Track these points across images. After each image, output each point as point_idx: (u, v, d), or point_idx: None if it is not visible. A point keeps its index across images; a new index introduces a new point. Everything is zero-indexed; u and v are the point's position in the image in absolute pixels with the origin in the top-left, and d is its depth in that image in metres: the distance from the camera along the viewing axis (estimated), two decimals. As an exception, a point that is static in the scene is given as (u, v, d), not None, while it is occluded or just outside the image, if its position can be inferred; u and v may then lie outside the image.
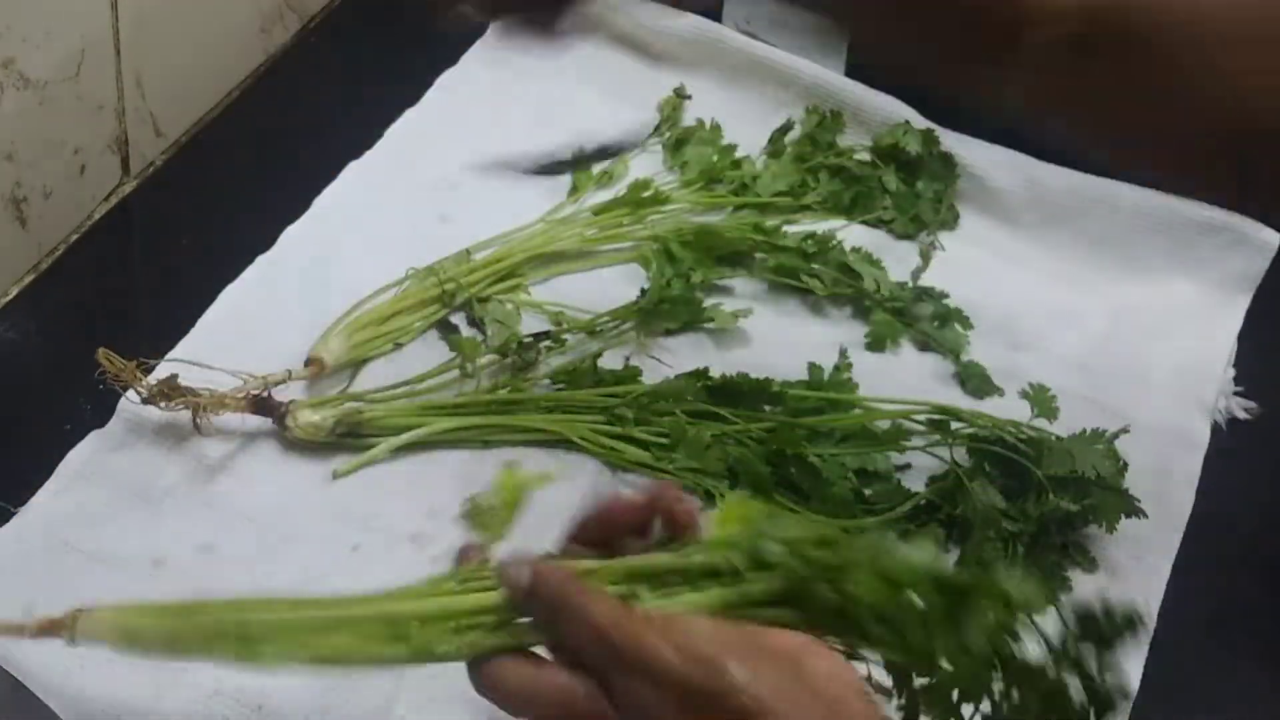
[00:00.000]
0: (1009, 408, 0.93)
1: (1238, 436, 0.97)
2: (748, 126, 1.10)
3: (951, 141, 1.09)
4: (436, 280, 0.95)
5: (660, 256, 1.00)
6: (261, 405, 0.87)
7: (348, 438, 0.88)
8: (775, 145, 1.09)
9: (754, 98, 1.14)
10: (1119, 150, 0.81)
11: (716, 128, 1.09)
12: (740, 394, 0.90)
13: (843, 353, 0.94)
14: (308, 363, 0.90)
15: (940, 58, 0.76)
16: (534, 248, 1.00)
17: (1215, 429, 0.97)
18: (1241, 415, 0.98)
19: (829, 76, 1.12)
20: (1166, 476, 0.93)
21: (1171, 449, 0.95)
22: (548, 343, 0.94)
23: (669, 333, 0.97)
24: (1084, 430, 0.89)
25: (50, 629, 0.63)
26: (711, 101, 1.13)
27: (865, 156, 1.08)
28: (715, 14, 1.16)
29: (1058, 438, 0.89)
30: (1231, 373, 0.99)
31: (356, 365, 0.93)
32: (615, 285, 1.00)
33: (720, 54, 1.15)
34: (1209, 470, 0.94)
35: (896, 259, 1.03)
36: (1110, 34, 0.70)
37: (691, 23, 1.15)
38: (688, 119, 1.11)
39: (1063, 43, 0.70)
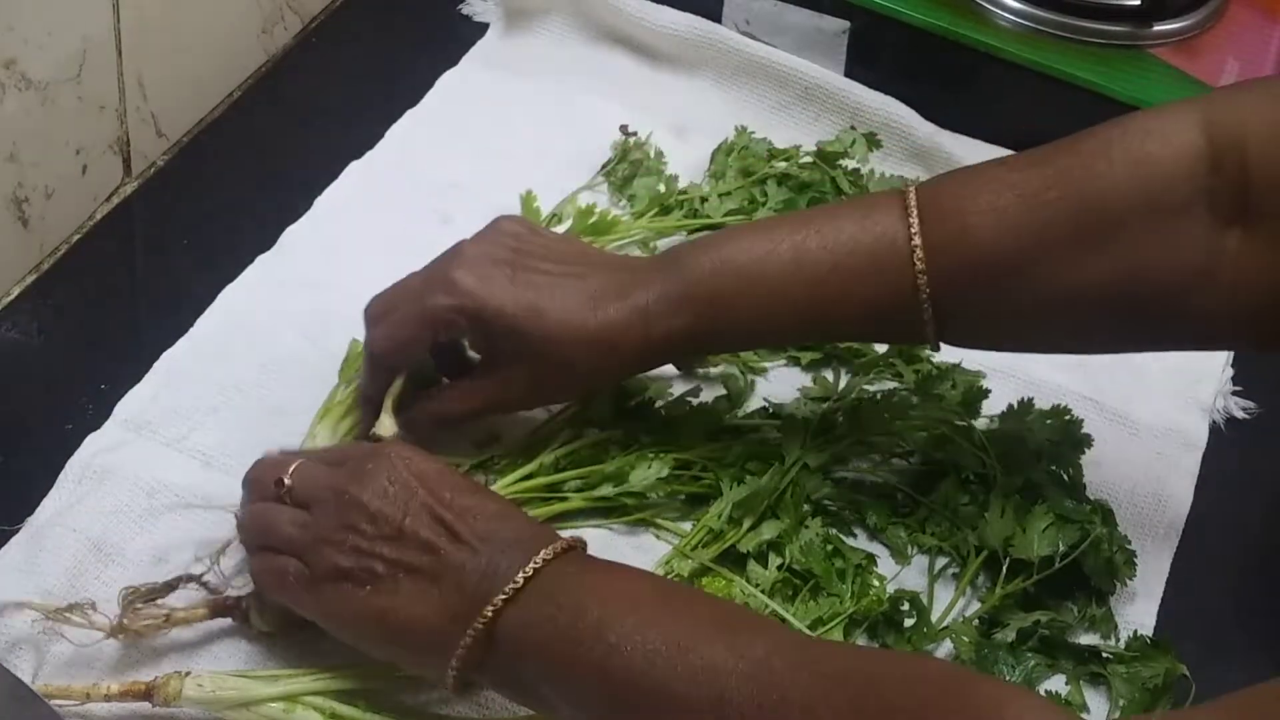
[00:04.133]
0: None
1: (1236, 436, 0.97)
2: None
3: (951, 142, 1.10)
4: None
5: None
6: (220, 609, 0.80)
7: None
8: (717, 165, 1.06)
9: (753, 98, 1.14)
10: None
11: (660, 156, 1.06)
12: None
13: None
14: None
15: None
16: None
17: (1214, 429, 0.97)
18: (1240, 415, 0.98)
19: (829, 76, 1.12)
20: (1165, 476, 0.93)
21: (1170, 449, 0.95)
22: None
23: None
24: (1010, 405, 0.90)
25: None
26: (711, 101, 1.13)
27: (808, 160, 1.06)
28: (715, 14, 1.16)
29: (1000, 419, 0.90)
30: (1230, 372, 0.99)
31: None
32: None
33: (720, 54, 1.15)
34: (1208, 470, 0.94)
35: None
36: None
37: (691, 23, 1.15)
38: (689, 118, 1.11)
39: None
